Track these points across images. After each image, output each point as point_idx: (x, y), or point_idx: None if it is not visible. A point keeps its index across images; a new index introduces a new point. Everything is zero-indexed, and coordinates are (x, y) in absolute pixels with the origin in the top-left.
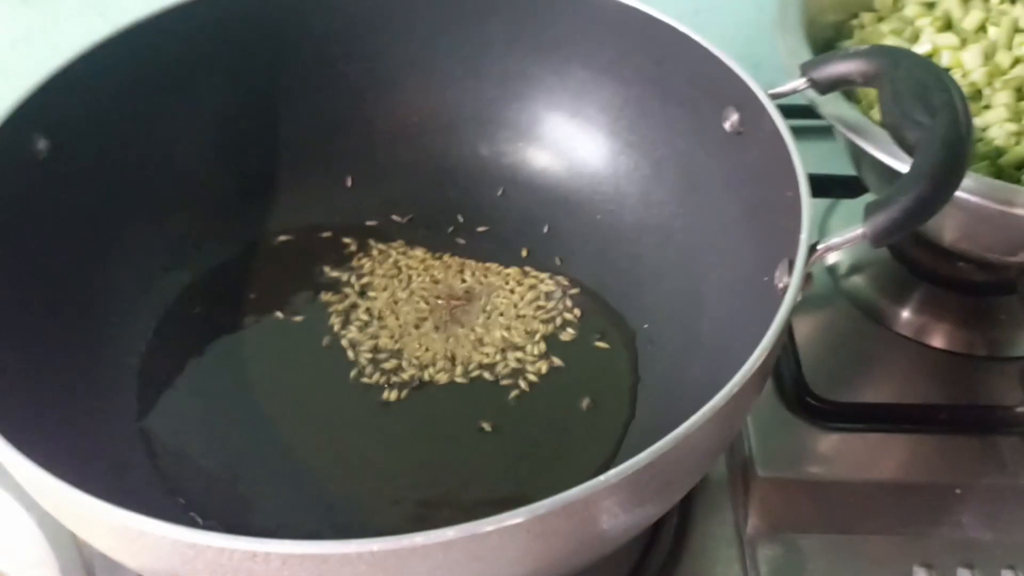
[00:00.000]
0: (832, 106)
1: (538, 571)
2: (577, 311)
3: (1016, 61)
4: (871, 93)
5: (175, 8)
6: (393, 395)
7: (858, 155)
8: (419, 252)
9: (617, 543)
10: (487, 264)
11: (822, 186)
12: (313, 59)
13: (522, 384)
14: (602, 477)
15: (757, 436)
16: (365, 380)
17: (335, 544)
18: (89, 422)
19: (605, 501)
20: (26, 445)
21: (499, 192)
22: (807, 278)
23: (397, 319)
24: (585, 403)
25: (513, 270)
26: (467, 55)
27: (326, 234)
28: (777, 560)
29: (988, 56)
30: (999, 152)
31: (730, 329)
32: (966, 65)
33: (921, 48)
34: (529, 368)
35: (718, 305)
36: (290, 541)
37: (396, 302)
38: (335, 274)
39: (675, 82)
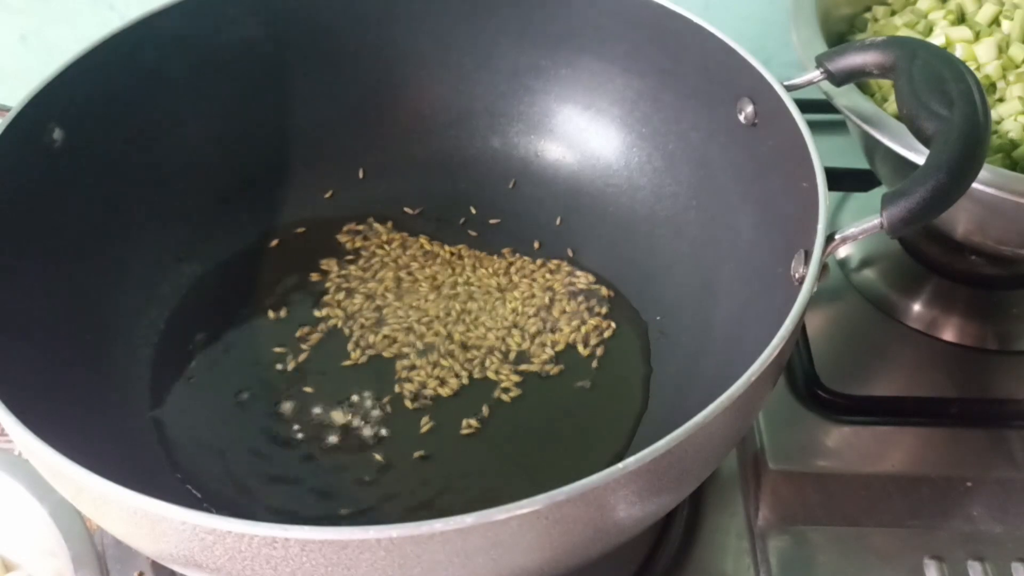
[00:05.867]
0: (847, 98)
1: (554, 558)
2: (589, 303)
3: None
4: (885, 85)
5: (186, 1)
6: (404, 387)
7: (872, 147)
8: (431, 244)
9: (632, 532)
10: (499, 256)
11: (833, 179)
12: (326, 52)
13: (534, 376)
14: (620, 465)
15: (768, 429)
16: (378, 372)
17: (354, 530)
18: (104, 412)
19: (622, 489)
20: (45, 433)
21: (511, 184)
22: (824, 268)
23: (409, 311)
24: (597, 395)
25: (525, 261)
26: (479, 48)
27: (338, 226)
28: (787, 552)
29: (1002, 49)
30: (1013, 144)
31: (743, 321)
32: (980, 58)
33: (934, 41)
34: (541, 359)
35: (731, 297)
36: (309, 527)
37: (408, 294)
38: (347, 266)
39: (689, 74)
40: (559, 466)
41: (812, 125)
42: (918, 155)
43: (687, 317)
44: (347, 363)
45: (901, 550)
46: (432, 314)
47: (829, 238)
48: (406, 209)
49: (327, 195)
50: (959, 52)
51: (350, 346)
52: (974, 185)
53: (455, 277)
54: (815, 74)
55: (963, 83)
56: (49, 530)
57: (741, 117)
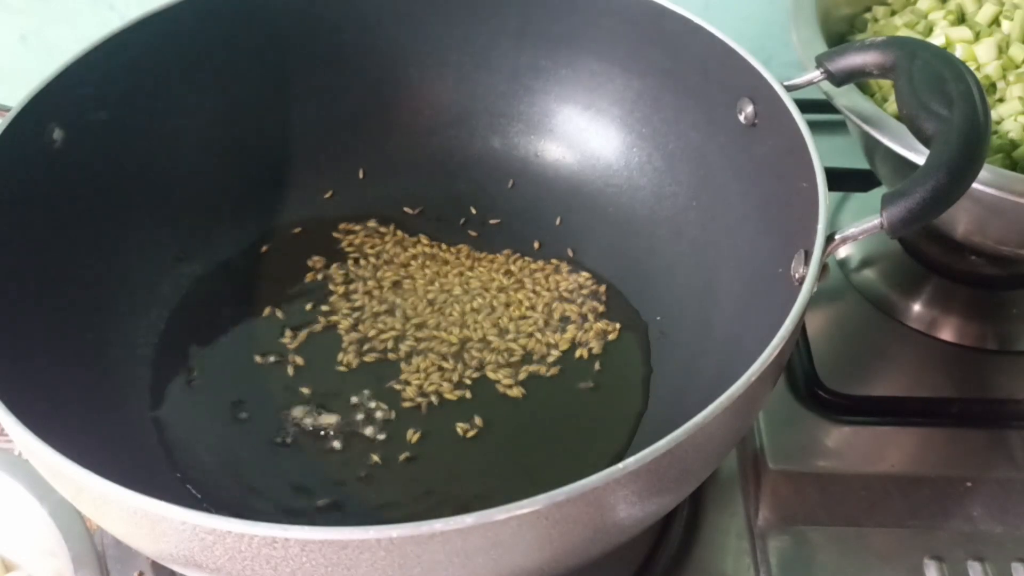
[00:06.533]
0: (847, 98)
1: (554, 558)
2: (590, 303)
3: None
4: (885, 85)
5: (186, 1)
6: (404, 388)
7: (872, 147)
8: (431, 244)
9: (632, 532)
10: (499, 256)
11: (833, 180)
12: (326, 53)
13: (533, 376)
14: (620, 465)
15: (768, 429)
16: (378, 372)
17: (354, 530)
18: (104, 412)
19: (622, 489)
20: (46, 433)
21: (510, 184)
22: (824, 269)
23: (409, 311)
24: (597, 395)
25: (525, 261)
26: (479, 48)
27: (338, 226)
28: (787, 552)
29: (1002, 49)
30: (1014, 145)
31: (743, 321)
32: (980, 59)
33: (935, 42)
34: (540, 360)
35: (731, 297)
36: (309, 527)
37: (408, 294)
38: (346, 266)
39: (689, 74)
40: (559, 466)
41: (812, 125)
42: (918, 155)
43: (687, 317)
44: (347, 364)
45: (901, 550)
46: (432, 315)
47: (829, 238)
48: (406, 209)
49: (327, 195)
50: (959, 52)
51: (350, 347)
52: (974, 185)
53: (455, 277)
54: (815, 74)
55: (963, 83)
56: (49, 530)
57: (741, 117)
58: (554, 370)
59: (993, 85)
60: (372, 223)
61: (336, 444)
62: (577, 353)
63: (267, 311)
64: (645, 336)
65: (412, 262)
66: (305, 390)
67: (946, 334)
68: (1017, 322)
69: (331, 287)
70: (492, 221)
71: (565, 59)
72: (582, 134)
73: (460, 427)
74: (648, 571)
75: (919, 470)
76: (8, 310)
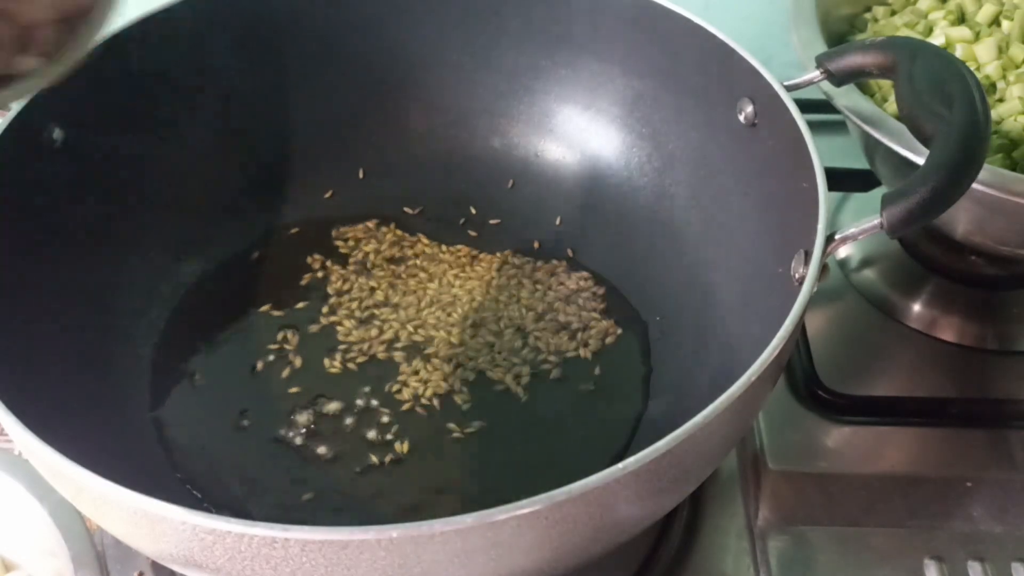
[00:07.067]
0: (847, 98)
1: (554, 558)
2: (590, 303)
3: None
4: (885, 85)
5: (186, 1)
6: (403, 389)
7: (872, 147)
8: (431, 244)
9: (632, 532)
10: (499, 256)
11: (833, 180)
12: (326, 53)
13: (533, 376)
14: (620, 465)
15: (768, 429)
16: (377, 372)
17: (354, 530)
18: (105, 412)
19: (622, 490)
20: (46, 433)
21: (510, 184)
22: (824, 269)
23: (408, 312)
24: (597, 395)
25: (525, 261)
26: (479, 49)
27: (338, 226)
28: (787, 552)
29: (1002, 49)
30: (1014, 144)
31: (743, 321)
32: (980, 59)
33: (935, 41)
34: (540, 360)
35: (731, 297)
36: (309, 527)
37: (407, 295)
38: (346, 266)
39: (689, 74)
40: (559, 466)
41: (812, 125)
42: (918, 155)
43: (687, 317)
44: (347, 364)
45: (901, 550)
46: (431, 315)
47: (829, 238)
48: (406, 209)
49: (327, 195)
50: (959, 52)
51: (349, 347)
52: (974, 185)
53: (454, 278)
54: (815, 74)
55: (963, 83)
56: (49, 530)
57: (741, 117)
58: (554, 370)
59: (993, 85)
60: (371, 223)
61: (335, 444)
62: (578, 353)
63: (267, 311)
64: (645, 336)
65: (412, 262)
66: (304, 390)
67: (946, 334)
68: (1017, 322)
69: (330, 287)
70: (492, 221)
71: (565, 59)
72: (582, 134)
73: (459, 427)
74: (648, 571)
75: (919, 470)
76: (8, 310)
